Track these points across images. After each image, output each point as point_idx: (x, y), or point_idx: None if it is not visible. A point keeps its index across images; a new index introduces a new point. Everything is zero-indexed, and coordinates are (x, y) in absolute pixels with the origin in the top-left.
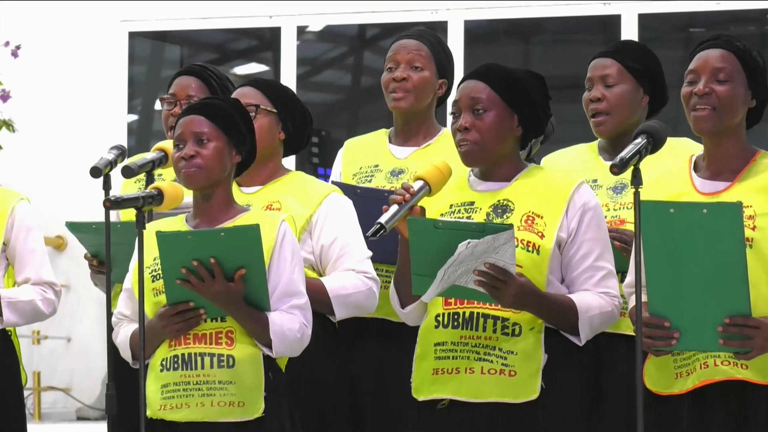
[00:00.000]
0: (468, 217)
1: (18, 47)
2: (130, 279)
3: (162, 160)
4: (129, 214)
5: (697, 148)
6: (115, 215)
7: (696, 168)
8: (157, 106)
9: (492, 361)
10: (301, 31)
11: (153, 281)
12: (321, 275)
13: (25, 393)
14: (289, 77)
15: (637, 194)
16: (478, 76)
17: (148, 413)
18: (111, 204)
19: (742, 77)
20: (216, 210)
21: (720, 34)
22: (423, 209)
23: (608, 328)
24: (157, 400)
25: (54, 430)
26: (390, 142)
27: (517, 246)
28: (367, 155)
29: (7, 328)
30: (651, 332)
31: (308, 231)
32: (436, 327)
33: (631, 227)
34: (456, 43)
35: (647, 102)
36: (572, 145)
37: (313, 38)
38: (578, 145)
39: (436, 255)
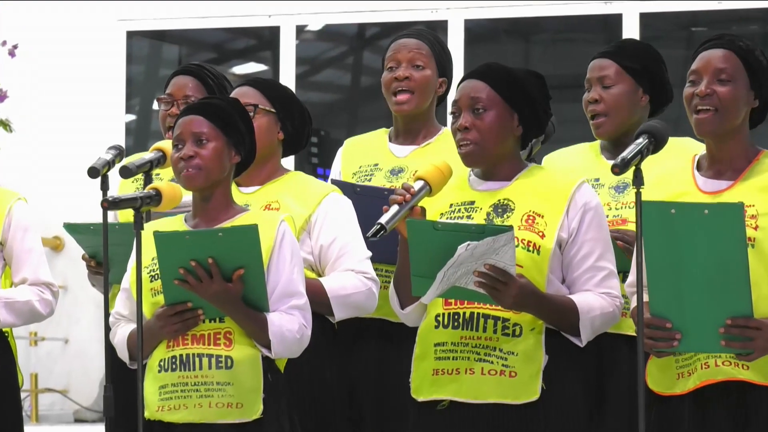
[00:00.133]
0: (468, 217)
1: (15, 47)
2: (128, 279)
3: (160, 161)
4: (127, 215)
5: (700, 148)
6: (112, 216)
7: (699, 167)
8: (155, 106)
9: (492, 362)
10: (300, 30)
11: (151, 281)
12: (320, 276)
13: (22, 395)
14: (288, 77)
15: (638, 194)
16: (478, 76)
17: (146, 414)
18: (109, 204)
19: (744, 77)
20: (215, 210)
21: (723, 33)
22: (423, 209)
23: (610, 329)
24: (155, 402)
25: None
26: (390, 141)
27: (517, 246)
28: (367, 154)
29: (3, 329)
30: (652, 333)
31: (307, 231)
32: (436, 327)
33: (632, 227)
34: (456, 43)
35: (648, 101)
36: (573, 144)
37: (312, 38)
38: (580, 144)
39: (436, 256)
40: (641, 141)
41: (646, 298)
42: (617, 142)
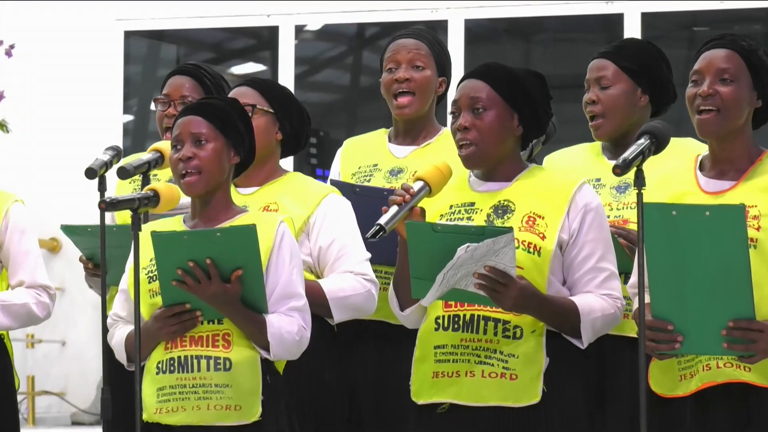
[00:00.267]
0: (468, 219)
1: (12, 46)
2: (126, 280)
3: (158, 161)
4: (124, 217)
5: (702, 148)
6: (110, 218)
7: (701, 167)
8: (153, 106)
9: (493, 365)
10: (299, 30)
11: (149, 282)
12: (319, 277)
13: (19, 397)
14: (287, 77)
15: (640, 196)
16: (478, 75)
17: (144, 417)
18: (106, 205)
19: (747, 77)
20: (214, 211)
21: (725, 33)
22: (423, 210)
23: (612, 331)
24: (153, 404)
25: None
26: (389, 141)
27: (517, 247)
28: (367, 154)
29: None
30: (654, 335)
31: (306, 232)
32: (436, 330)
33: (634, 227)
34: (456, 42)
35: (648, 101)
36: (574, 145)
37: (311, 37)
38: (581, 145)
39: (436, 258)
40: (643, 141)
41: (647, 299)
42: (618, 142)
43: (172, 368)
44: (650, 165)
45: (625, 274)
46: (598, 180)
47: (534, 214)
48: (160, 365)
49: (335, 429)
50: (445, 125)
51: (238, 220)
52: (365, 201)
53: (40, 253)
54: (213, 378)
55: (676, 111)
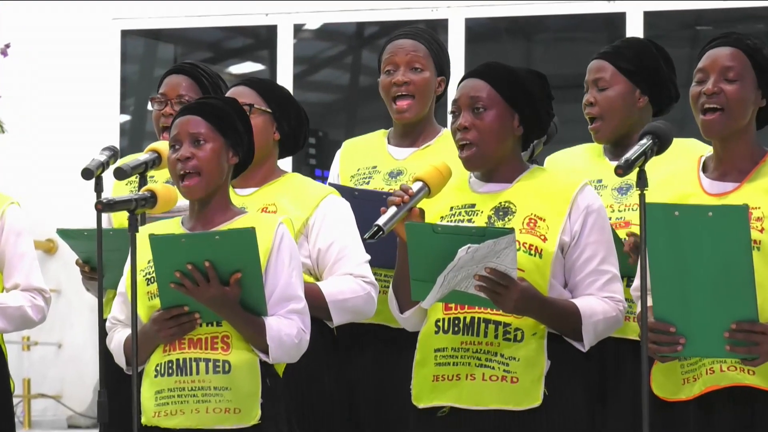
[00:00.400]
0: (469, 220)
1: (7, 46)
2: (125, 283)
3: (155, 162)
4: (121, 220)
5: (704, 149)
6: (107, 221)
7: (705, 168)
8: (150, 106)
9: (493, 368)
10: (298, 29)
11: (147, 285)
12: (318, 279)
13: (15, 400)
14: (285, 76)
15: (642, 196)
16: (478, 75)
17: (143, 420)
18: (103, 206)
19: (751, 76)
20: (212, 212)
21: (730, 32)
22: (422, 211)
23: (615, 334)
24: (151, 407)
25: None
26: (389, 142)
27: (519, 249)
28: (366, 156)
29: None
30: (656, 338)
31: (305, 234)
32: (437, 332)
33: (636, 229)
34: (457, 42)
35: (647, 102)
36: (576, 145)
37: (310, 36)
38: (582, 145)
39: (436, 260)
40: (645, 142)
41: (650, 302)
42: (619, 143)
43: (170, 371)
44: (652, 166)
45: (627, 277)
46: (600, 181)
47: (535, 216)
48: (158, 368)
49: None
50: (444, 125)
51: (237, 222)
52: (364, 204)
53: (35, 256)
54: (212, 381)
55: (678, 111)
